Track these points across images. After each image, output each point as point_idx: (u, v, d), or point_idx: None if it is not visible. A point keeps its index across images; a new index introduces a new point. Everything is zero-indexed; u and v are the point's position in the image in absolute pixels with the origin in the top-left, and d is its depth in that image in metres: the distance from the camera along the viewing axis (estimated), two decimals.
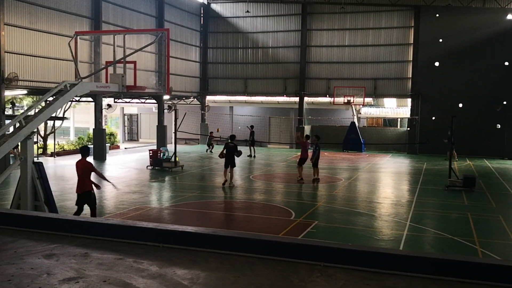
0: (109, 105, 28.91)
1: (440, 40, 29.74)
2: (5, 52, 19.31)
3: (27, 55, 20.71)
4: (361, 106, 33.96)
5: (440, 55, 29.78)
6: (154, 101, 31.74)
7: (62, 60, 21.77)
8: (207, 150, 29.30)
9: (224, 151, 16.66)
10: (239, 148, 17.01)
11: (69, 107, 29.47)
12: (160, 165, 20.85)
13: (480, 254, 9.34)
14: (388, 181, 19.52)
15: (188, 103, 35.92)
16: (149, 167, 21.19)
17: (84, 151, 10.59)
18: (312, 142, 19.12)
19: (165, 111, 29.63)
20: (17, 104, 27.32)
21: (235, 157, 16.66)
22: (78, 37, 12.65)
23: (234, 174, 17.09)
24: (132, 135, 41.19)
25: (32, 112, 10.57)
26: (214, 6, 35.75)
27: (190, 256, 4.56)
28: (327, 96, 33.12)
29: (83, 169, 10.23)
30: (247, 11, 34.08)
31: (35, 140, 16.47)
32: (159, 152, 21.91)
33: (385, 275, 4.07)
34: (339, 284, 3.93)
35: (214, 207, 13.74)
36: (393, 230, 11.18)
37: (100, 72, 12.93)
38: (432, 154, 28.76)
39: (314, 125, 34.14)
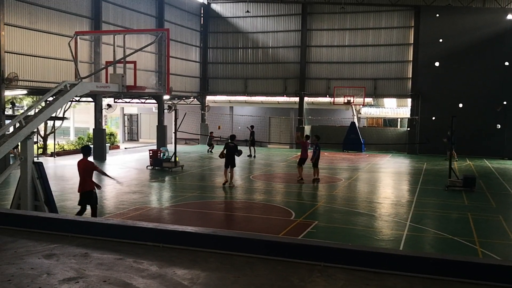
0: (109, 105, 28.89)
1: (440, 40, 29.73)
2: (5, 52, 19.30)
3: (27, 55, 20.70)
4: (361, 106, 33.95)
5: (440, 55, 29.78)
6: (154, 101, 31.72)
7: (62, 60, 21.76)
8: (208, 150, 29.28)
9: (224, 151, 16.67)
10: (239, 148, 17.02)
11: (69, 107, 29.48)
12: (160, 165, 20.85)
13: (480, 254, 9.34)
14: (388, 181, 19.52)
15: (188, 103, 35.91)
16: (149, 167, 21.19)
17: (85, 150, 10.60)
18: (312, 142, 19.13)
19: (165, 111, 29.63)
20: (17, 104, 27.32)
21: (235, 157, 16.68)
22: (78, 37, 12.64)
23: (234, 174, 17.10)
24: (132, 135, 41.16)
25: (32, 112, 10.56)
26: (214, 6, 35.74)
27: (190, 256, 4.56)
28: (327, 96, 33.11)
29: (85, 169, 10.27)
30: (247, 11, 34.08)
31: (35, 140, 16.47)
32: (159, 152, 21.91)
33: (385, 275, 4.07)
34: (339, 284, 3.93)
35: (214, 207, 13.73)
36: (393, 230, 11.17)
37: (100, 72, 12.92)
38: (432, 154, 28.76)
39: (314, 125, 34.12)
